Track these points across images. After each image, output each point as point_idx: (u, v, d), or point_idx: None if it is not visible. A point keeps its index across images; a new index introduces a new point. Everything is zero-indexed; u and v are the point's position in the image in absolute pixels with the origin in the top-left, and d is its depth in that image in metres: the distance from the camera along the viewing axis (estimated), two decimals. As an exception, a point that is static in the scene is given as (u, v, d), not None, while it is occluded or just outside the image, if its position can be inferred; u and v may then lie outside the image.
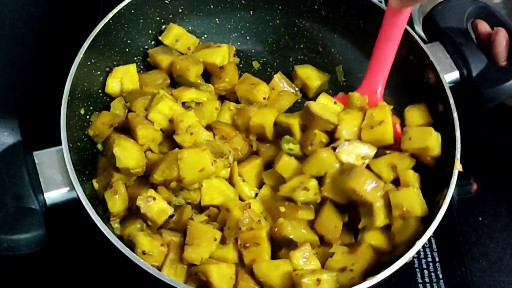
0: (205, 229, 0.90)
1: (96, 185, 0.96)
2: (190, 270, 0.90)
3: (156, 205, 0.91)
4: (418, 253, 1.05)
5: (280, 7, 1.16)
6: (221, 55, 1.09)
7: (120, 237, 0.92)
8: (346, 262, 0.90)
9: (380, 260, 0.92)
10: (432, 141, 0.95)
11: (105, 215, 0.93)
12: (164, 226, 0.94)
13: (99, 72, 1.04)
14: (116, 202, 0.93)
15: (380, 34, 1.01)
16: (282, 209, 0.95)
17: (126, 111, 1.02)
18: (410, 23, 1.26)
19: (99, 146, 1.01)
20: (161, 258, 0.89)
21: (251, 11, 1.16)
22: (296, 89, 1.13)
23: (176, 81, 1.09)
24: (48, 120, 0.93)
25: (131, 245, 0.89)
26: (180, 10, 1.13)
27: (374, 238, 0.93)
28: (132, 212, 0.94)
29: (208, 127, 1.02)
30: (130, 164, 0.94)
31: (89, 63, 1.00)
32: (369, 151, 0.96)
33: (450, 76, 1.03)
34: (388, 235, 0.93)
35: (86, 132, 0.99)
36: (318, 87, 1.13)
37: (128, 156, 0.94)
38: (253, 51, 1.19)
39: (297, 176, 0.97)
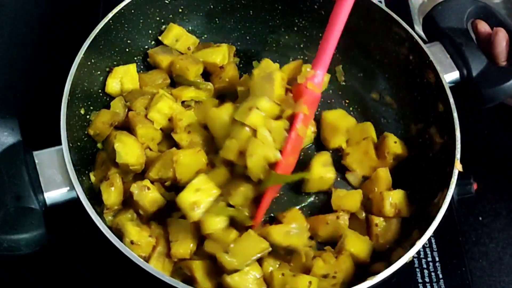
0: (186, 223, 0.89)
1: (93, 178, 0.96)
2: (176, 265, 0.89)
3: (149, 194, 0.91)
4: (418, 253, 1.05)
5: (280, 7, 1.15)
6: (221, 54, 1.09)
7: (112, 229, 0.91)
8: (329, 269, 0.90)
9: (368, 271, 0.91)
10: None
11: (100, 208, 0.93)
12: (154, 219, 0.94)
13: (99, 72, 1.04)
14: (112, 194, 0.92)
15: (328, 22, 0.98)
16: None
17: (126, 110, 1.02)
18: (410, 23, 1.26)
19: (99, 146, 1.01)
20: (148, 249, 0.89)
21: (251, 11, 1.16)
22: (296, 89, 1.13)
23: (175, 81, 1.09)
24: (48, 120, 0.93)
25: (120, 235, 0.89)
26: (180, 10, 1.13)
27: (354, 246, 0.92)
28: (126, 203, 0.94)
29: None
30: (130, 160, 0.94)
31: (89, 63, 1.00)
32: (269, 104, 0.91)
33: (450, 76, 1.03)
34: (368, 244, 0.94)
35: (86, 132, 0.99)
36: (318, 87, 1.12)
37: (129, 152, 0.94)
38: (253, 51, 1.18)
39: None
